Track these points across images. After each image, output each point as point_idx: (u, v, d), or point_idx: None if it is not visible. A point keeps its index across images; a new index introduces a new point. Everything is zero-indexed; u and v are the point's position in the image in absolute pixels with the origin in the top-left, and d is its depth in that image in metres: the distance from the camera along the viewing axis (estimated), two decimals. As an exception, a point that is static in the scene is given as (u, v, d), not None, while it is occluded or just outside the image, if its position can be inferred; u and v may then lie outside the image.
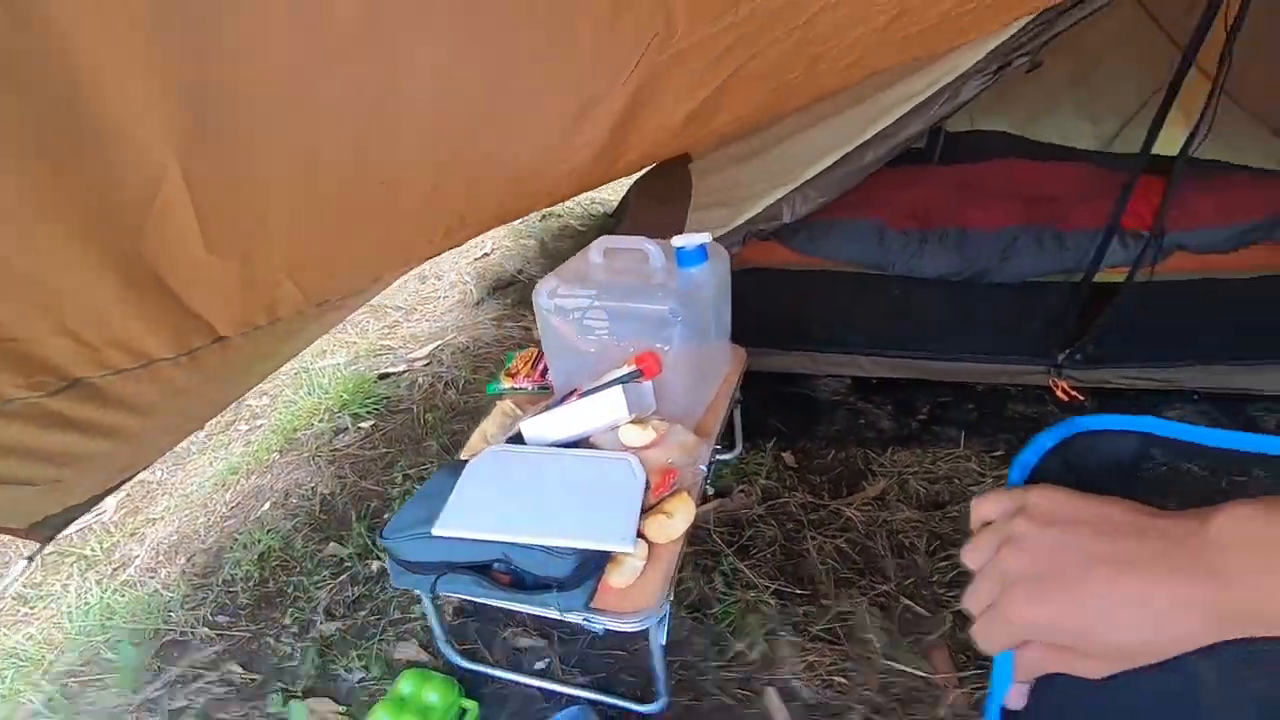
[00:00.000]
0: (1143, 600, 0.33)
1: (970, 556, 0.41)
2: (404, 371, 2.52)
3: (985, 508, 0.44)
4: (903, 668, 1.38)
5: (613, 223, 3.65)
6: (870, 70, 1.43)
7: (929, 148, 3.43)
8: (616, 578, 1.13)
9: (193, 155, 0.74)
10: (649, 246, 1.41)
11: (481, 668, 1.46)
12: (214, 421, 2.41)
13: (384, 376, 2.50)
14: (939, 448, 1.91)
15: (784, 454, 1.93)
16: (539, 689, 1.41)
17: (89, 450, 1.17)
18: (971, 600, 0.39)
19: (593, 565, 1.09)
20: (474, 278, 3.16)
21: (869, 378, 2.17)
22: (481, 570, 1.13)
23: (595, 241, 1.48)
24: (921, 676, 1.37)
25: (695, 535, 1.70)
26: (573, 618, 1.12)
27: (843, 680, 1.36)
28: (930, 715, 1.30)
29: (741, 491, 1.79)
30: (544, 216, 3.65)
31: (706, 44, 0.84)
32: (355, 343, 2.75)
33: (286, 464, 2.16)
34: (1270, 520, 0.31)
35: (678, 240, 1.40)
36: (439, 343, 2.68)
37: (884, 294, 2.43)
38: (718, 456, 1.91)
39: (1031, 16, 1.44)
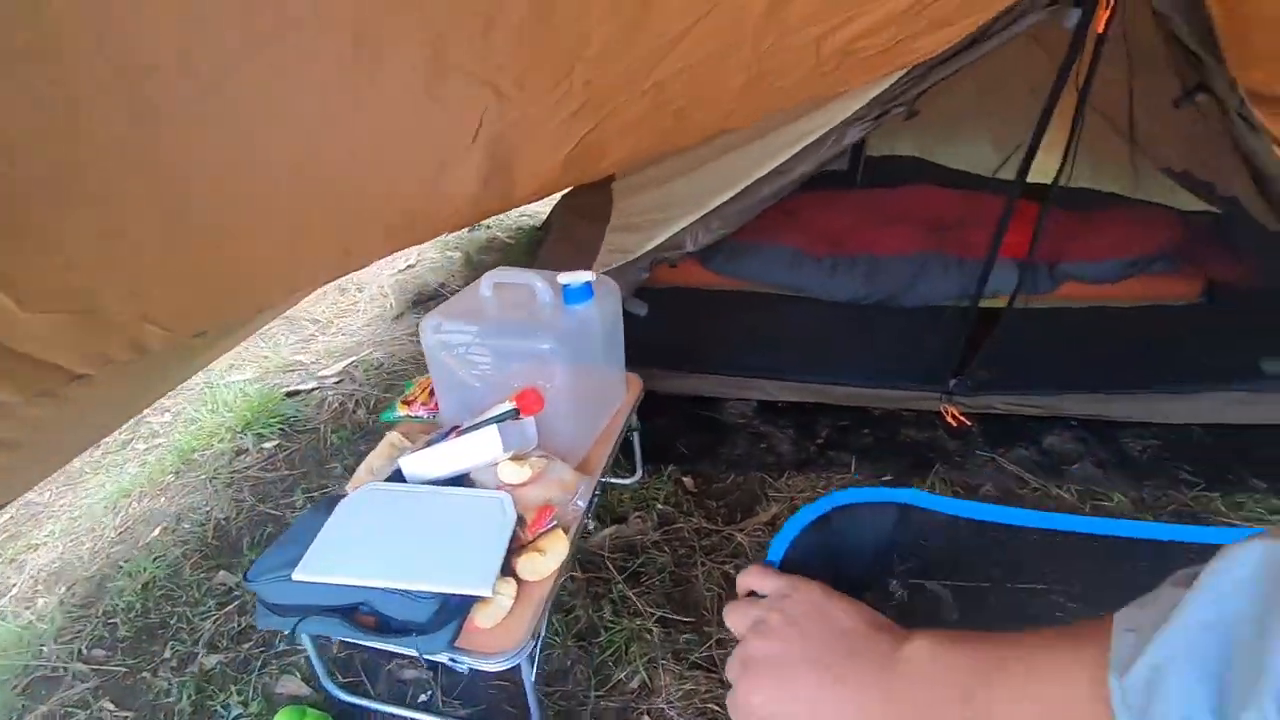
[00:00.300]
0: (838, 705, 0.41)
1: (730, 619, 0.50)
2: (314, 389, 2.47)
3: (752, 580, 0.52)
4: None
5: (540, 235, 3.66)
6: (749, 119, 1.47)
7: (851, 170, 3.56)
8: (482, 618, 1.14)
9: None
10: (536, 283, 1.43)
11: (363, 701, 1.45)
12: (110, 439, 2.33)
13: (292, 394, 2.45)
14: (832, 472, 1.98)
15: (684, 478, 1.97)
16: (417, 721, 1.42)
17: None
18: (727, 672, 0.47)
19: (454, 607, 1.10)
20: (395, 290, 3.12)
21: (775, 401, 2.23)
22: (346, 612, 1.13)
23: (485, 275, 1.49)
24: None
25: (590, 562, 1.73)
26: (440, 658, 1.13)
27: (717, 709, 1.40)
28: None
29: (638, 517, 1.82)
30: (472, 228, 3.63)
31: (552, 108, 0.86)
32: (267, 357, 2.69)
33: (182, 486, 2.10)
34: (936, 655, 0.40)
35: (563, 277, 1.42)
36: (353, 359, 2.64)
37: (794, 317, 2.51)
38: (617, 481, 1.94)
39: (904, 71, 1.51)
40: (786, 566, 0.66)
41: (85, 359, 1.11)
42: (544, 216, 3.53)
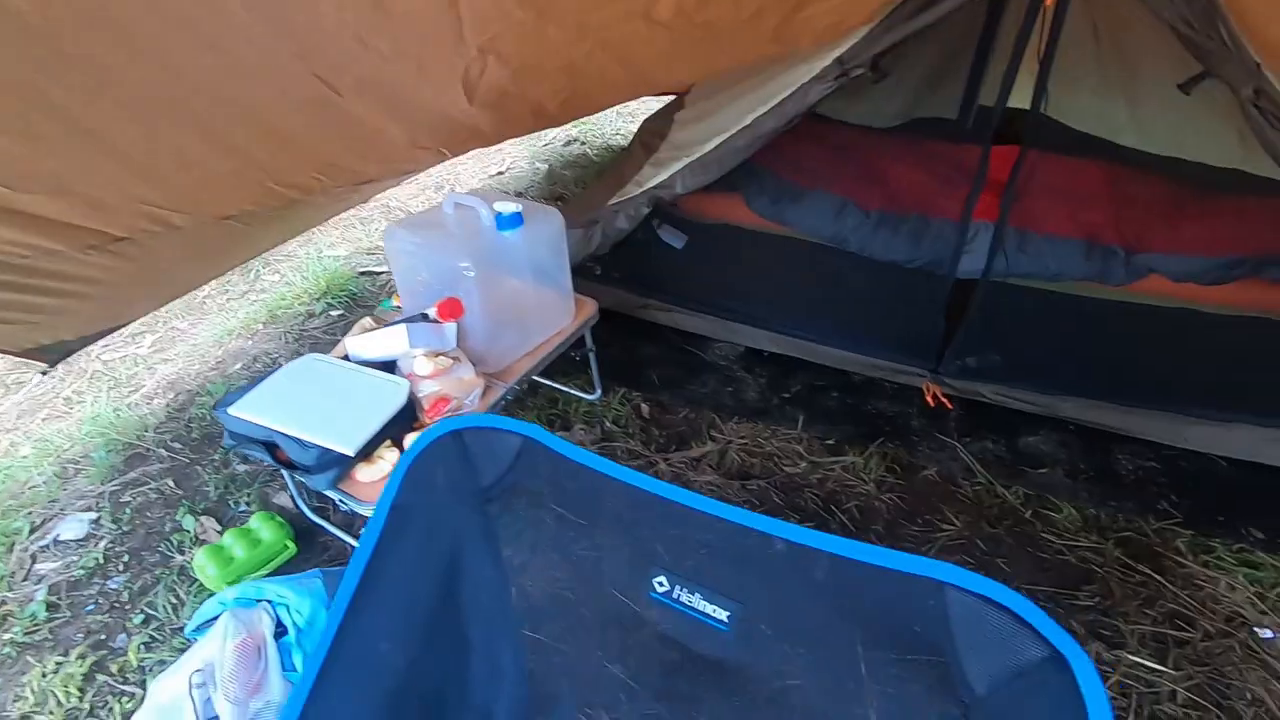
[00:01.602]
0: None
1: None
2: (383, 272, 2.90)
3: None
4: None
5: (622, 155, 3.78)
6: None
7: (961, 118, 3.23)
8: (364, 473, 1.44)
9: None
10: (481, 208, 1.62)
11: (322, 522, 1.86)
12: (235, 287, 2.93)
13: (365, 274, 2.89)
14: (781, 425, 2.04)
15: (643, 404, 2.13)
16: (353, 547, 1.79)
17: (52, 305, 1.60)
18: None
19: (333, 459, 1.40)
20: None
21: (761, 350, 2.29)
22: (270, 447, 1.48)
23: (449, 196, 1.71)
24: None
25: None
26: (332, 494, 1.46)
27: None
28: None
29: (581, 429, 2.03)
30: (567, 143, 3.83)
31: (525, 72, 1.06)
32: (360, 240, 3.16)
33: (266, 334, 2.63)
34: None
35: (497, 205, 1.60)
36: (423, 251, 3.02)
37: (814, 268, 2.48)
38: (580, 395, 2.15)
39: (864, 31, 1.44)
40: (415, 472, 0.85)
41: (120, 228, 1.50)
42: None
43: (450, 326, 1.61)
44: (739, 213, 2.67)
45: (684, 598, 0.81)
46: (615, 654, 0.93)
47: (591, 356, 2.04)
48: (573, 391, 2.15)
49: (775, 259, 2.53)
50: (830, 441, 1.98)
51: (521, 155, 3.73)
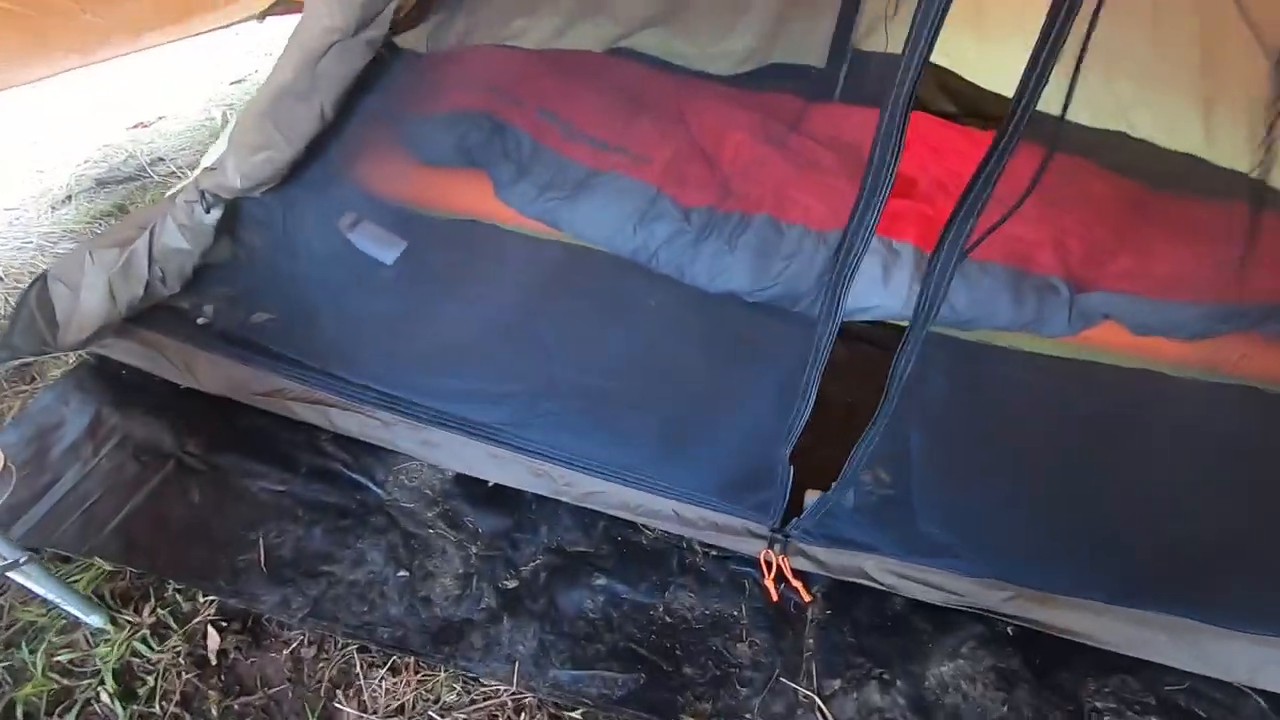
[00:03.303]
0: None
1: None
2: None
3: None
4: None
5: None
6: None
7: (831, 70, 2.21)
8: None
9: None
10: None
11: None
12: None
13: None
14: (484, 671, 1.01)
15: (210, 634, 1.03)
16: None
17: None
18: None
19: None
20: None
21: (482, 480, 1.23)
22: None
23: None
24: None
25: None
26: None
27: None
28: None
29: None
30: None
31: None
32: None
33: None
34: None
35: None
36: None
37: (596, 307, 1.45)
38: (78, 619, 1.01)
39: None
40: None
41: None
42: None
43: None
44: (486, 204, 1.59)
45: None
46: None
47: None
48: (51, 612, 1.02)
49: (532, 286, 1.48)
50: (573, 717, 0.98)
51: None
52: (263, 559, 1.09)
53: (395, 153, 1.63)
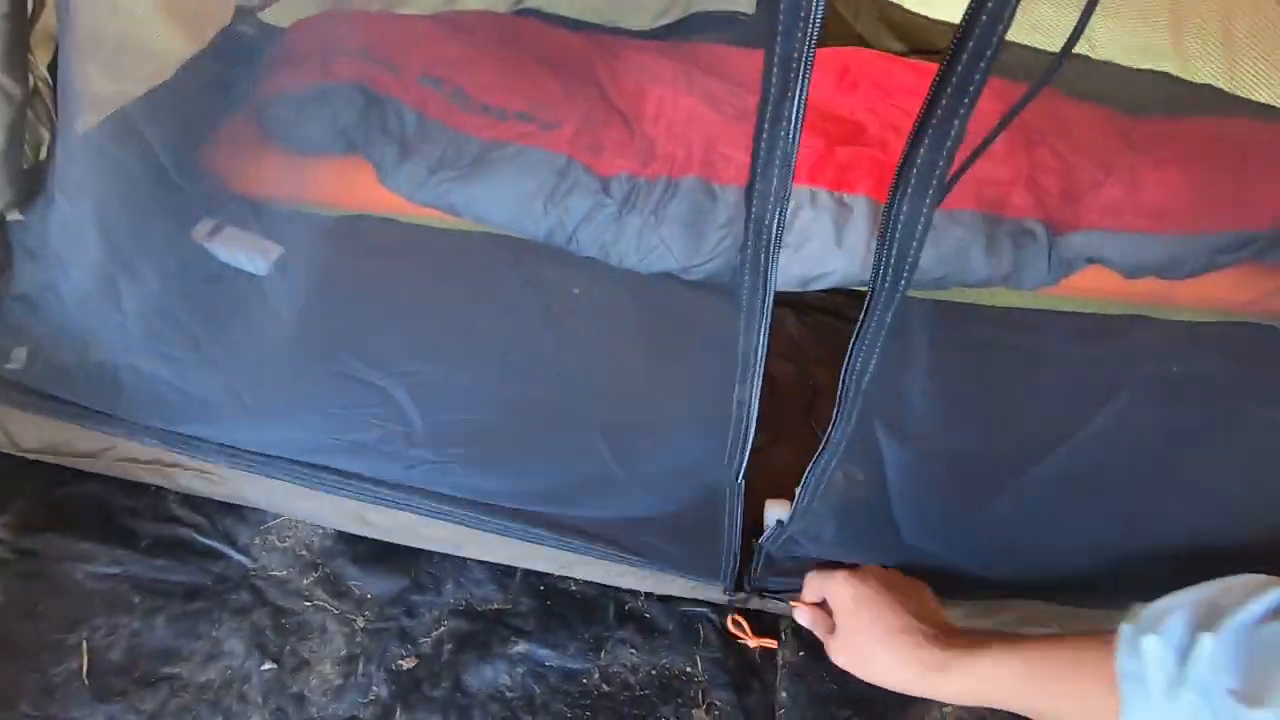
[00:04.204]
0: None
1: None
2: None
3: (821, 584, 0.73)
4: None
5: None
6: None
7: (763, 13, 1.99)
8: None
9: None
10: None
11: None
12: None
13: None
14: None
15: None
16: None
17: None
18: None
19: None
20: None
21: (358, 535, 1.00)
22: None
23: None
24: None
25: None
26: None
27: None
28: None
29: None
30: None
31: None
32: None
33: None
34: (981, 676, 0.60)
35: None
36: None
37: (501, 310, 1.22)
38: None
39: None
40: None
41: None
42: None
43: None
44: (371, 194, 1.35)
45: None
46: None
47: None
48: None
49: (420, 287, 1.25)
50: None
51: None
52: (85, 668, 0.85)
53: (261, 144, 1.38)
